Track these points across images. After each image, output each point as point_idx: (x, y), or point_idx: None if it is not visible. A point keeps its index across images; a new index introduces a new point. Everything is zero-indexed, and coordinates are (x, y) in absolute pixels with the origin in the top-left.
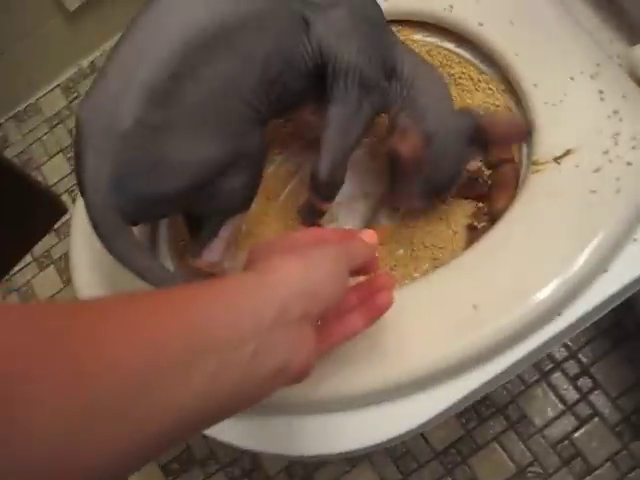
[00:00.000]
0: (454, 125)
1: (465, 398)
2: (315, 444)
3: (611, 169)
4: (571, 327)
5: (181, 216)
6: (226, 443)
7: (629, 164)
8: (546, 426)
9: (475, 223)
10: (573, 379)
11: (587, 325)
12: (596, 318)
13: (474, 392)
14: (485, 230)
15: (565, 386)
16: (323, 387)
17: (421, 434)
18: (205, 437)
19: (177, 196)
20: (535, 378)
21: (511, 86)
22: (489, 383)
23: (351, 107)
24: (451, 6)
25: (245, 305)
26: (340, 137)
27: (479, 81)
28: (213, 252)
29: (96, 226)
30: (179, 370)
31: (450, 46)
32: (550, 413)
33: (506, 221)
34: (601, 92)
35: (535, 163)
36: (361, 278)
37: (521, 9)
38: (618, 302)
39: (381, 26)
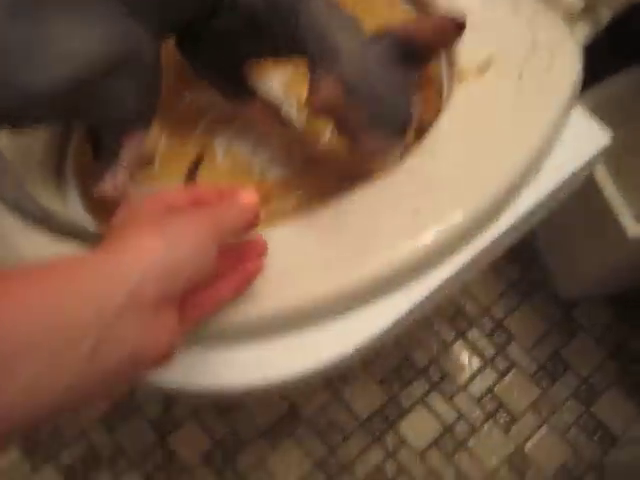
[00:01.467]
0: (374, 52)
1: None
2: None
3: (533, 74)
4: (513, 229)
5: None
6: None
7: (549, 69)
8: (468, 383)
9: None
10: (489, 334)
11: (527, 229)
12: (535, 220)
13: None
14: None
15: (482, 342)
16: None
17: (343, 403)
18: (110, 433)
19: (54, 94)
20: (452, 337)
21: None
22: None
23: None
24: None
25: (84, 293)
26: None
27: None
28: (115, 177)
29: None
30: None
31: None
32: (470, 370)
33: (438, 129)
34: (514, 2)
35: (459, 72)
36: None
37: None
38: (553, 205)
39: None
